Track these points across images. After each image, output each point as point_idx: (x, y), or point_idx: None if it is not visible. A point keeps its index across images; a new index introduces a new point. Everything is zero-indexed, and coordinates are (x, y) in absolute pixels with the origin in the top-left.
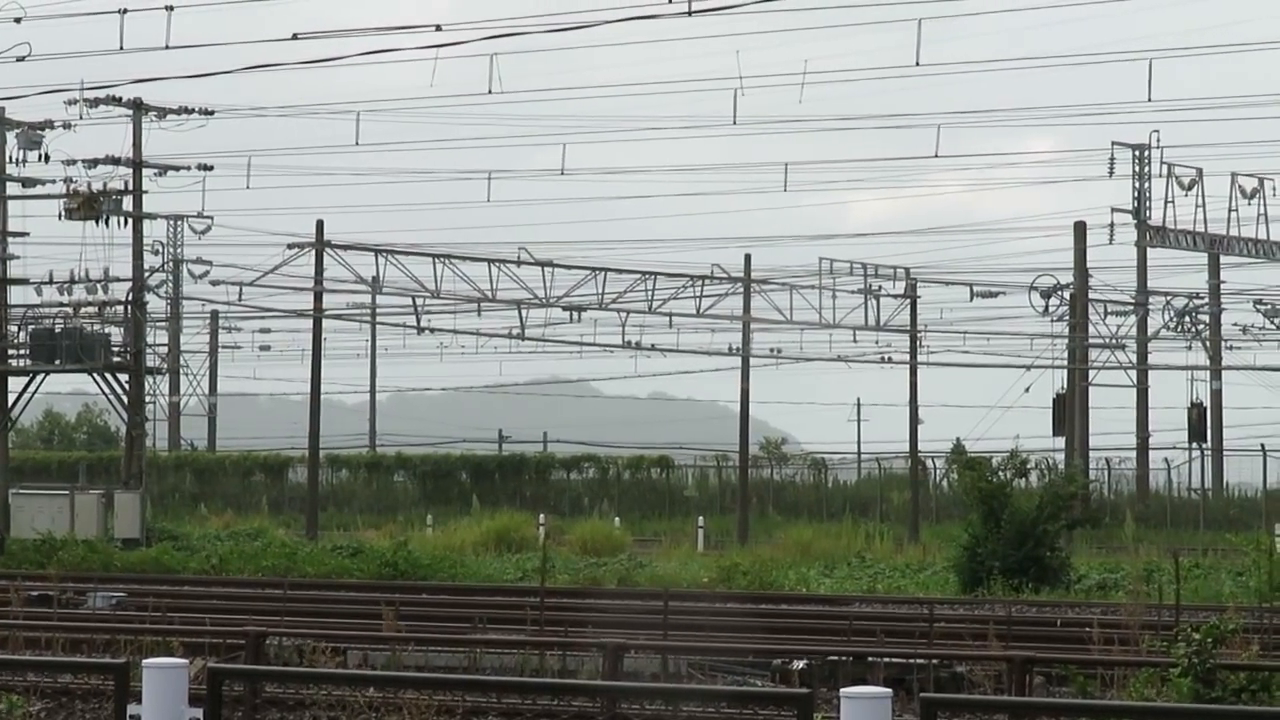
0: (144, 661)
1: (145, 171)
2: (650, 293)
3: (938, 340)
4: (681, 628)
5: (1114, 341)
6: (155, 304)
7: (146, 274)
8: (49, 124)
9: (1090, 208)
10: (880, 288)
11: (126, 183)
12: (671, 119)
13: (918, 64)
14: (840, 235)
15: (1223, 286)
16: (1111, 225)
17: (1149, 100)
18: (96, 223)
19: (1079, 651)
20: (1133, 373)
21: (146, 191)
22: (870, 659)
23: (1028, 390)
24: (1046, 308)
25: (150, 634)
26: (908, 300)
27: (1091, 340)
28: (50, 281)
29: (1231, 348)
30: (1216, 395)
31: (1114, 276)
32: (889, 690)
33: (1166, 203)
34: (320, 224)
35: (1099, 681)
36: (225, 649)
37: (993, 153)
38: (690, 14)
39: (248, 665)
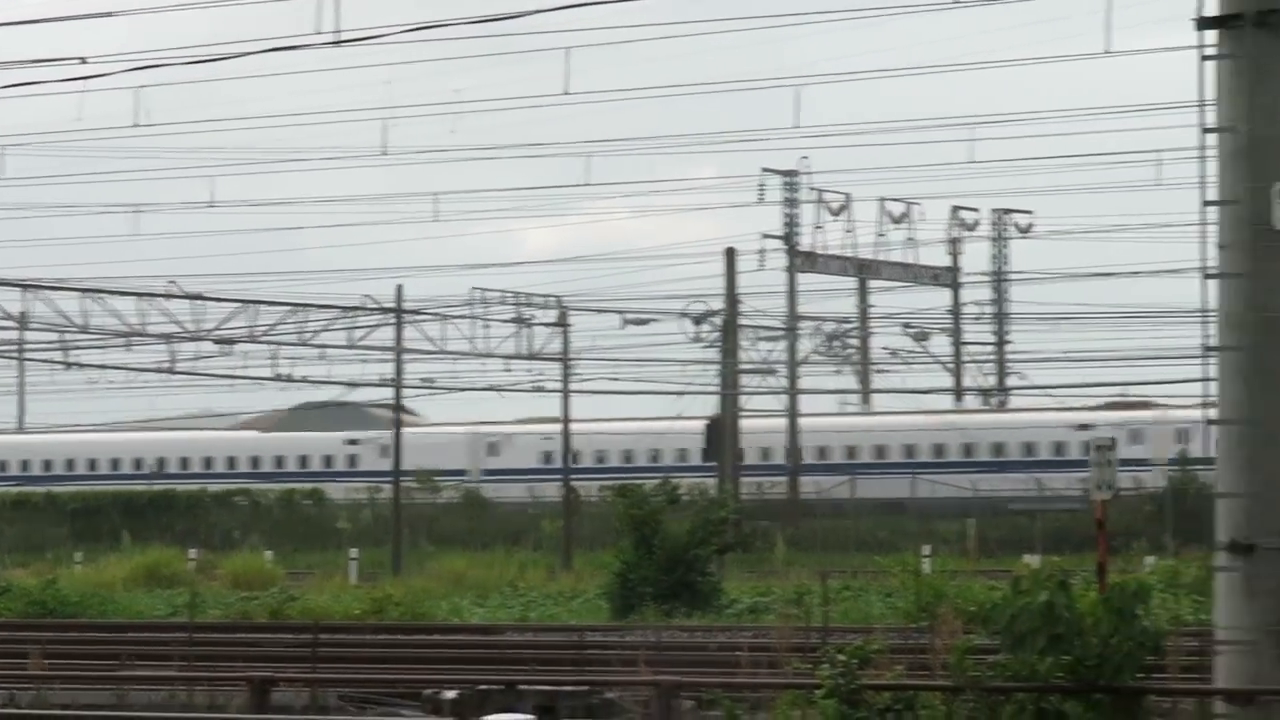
0: None
1: None
2: (302, 325)
3: (591, 368)
4: (332, 660)
5: (765, 367)
6: None
7: None
8: None
9: (746, 234)
10: (533, 316)
11: None
12: (321, 150)
13: (567, 92)
14: (496, 265)
15: (871, 310)
16: (762, 251)
17: (797, 126)
18: None
19: (727, 675)
20: (784, 397)
21: None
22: (520, 687)
23: (680, 417)
24: (698, 334)
25: None
26: (560, 329)
27: (743, 366)
28: None
29: (881, 371)
30: None
31: (766, 302)
32: (533, 717)
33: (816, 228)
34: None
35: (747, 704)
36: None
37: (648, 180)
38: (338, 44)
39: None
